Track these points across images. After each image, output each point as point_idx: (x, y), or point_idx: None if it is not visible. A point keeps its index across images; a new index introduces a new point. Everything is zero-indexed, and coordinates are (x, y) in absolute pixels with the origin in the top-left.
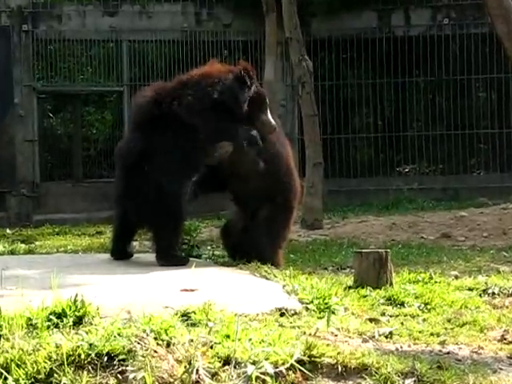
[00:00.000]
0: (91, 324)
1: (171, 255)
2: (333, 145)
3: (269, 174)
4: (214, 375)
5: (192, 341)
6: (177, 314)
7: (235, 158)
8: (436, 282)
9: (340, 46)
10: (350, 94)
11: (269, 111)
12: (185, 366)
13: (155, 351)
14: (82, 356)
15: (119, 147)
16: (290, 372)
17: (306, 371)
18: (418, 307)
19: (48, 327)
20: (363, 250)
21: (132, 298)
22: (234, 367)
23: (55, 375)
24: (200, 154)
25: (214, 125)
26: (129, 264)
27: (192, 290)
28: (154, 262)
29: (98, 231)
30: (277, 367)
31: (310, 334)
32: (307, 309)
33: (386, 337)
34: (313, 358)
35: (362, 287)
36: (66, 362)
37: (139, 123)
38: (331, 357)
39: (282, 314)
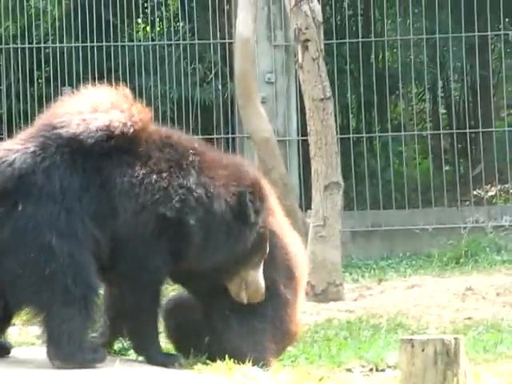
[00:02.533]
0: None
1: (75, 348)
2: (358, 151)
3: None
4: None
5: None
6: None
7: None
8: None
9: None
10: (388, 61)
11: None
12: None
13: None
14: None
15: None
16: None
17: None
18: None
19: None
20: (415, 337)
21: None
22: None
23: None
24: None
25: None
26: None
27: None
28: (47, 363)
29: None
30: None
31: None
32: None
33: None
34: None
35: None
36: None
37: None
38: None
39: None
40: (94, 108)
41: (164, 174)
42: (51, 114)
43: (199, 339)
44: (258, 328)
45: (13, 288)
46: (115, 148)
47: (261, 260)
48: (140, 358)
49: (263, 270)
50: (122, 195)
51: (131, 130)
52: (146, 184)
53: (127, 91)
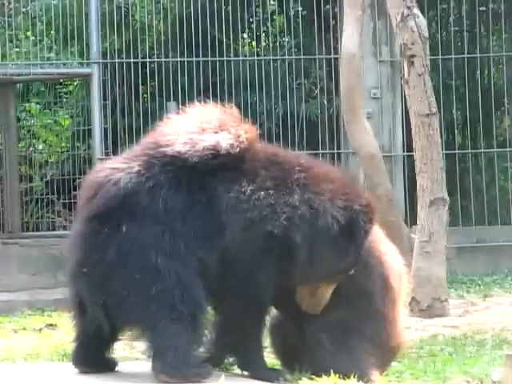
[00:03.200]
0: None
1: (181, 363)
2: (463, 167)
3: None
4: None
5: None
6: None
7: None
8: None
9: None
10: (493, 77)
11: None
12: None
13: None
14: None
15: (94, 180)
16: None
17: None
18: None
19: None
20: None
21: None
22: None
23: None
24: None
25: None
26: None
27: None
28: (152, 377)
29: (48, 323)
30: None
31: None
32: None
33: None
34: None
35: None
36: None
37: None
38: None
39: None
40: (201, 128)
41: (270, 191)
42: (157, 132)
43: (300, 356)
44: (353, 346)
45: (119, 309)
46: (220, 166)
47: (342, 278)
48: (245, 373)
49: (357, 280)
50: (229, 210)
51: (237, 149)
52: (254, 200)
53: (235, 110)
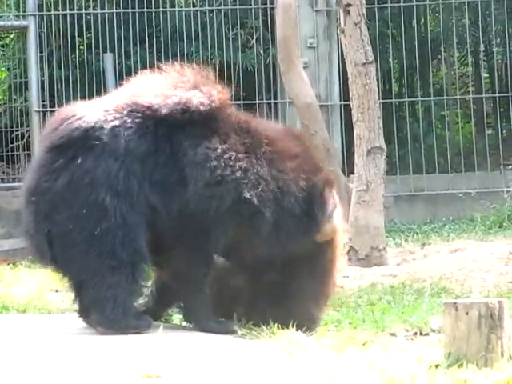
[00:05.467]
0: None
1: (120, 315)
2: (400, 115)
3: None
4: None
5: None
6: None
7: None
8: None
9: None
10: (429, 25)
11: None
12: None
13: None
14: None
15: (62, 113)
16: None
17: None
18: None
19: None
20: (459, 301)
21: None
22: None
23: None
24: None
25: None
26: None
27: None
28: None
29: None
30: None
31: None
32: None
33: None
34: None
35: (460, 366)
36: None
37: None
38: None
39: None
40: (174, 85)
41: (241, 156)
42: (130, 85)
43: (237, 306)
44: (293, 302)
45: (61, 242)
46: (189, 121)
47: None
48: (183, 324)
49: None
50: (196, 165)
51: (208, 108)
52: (225, 159)
53: (210, 71)
